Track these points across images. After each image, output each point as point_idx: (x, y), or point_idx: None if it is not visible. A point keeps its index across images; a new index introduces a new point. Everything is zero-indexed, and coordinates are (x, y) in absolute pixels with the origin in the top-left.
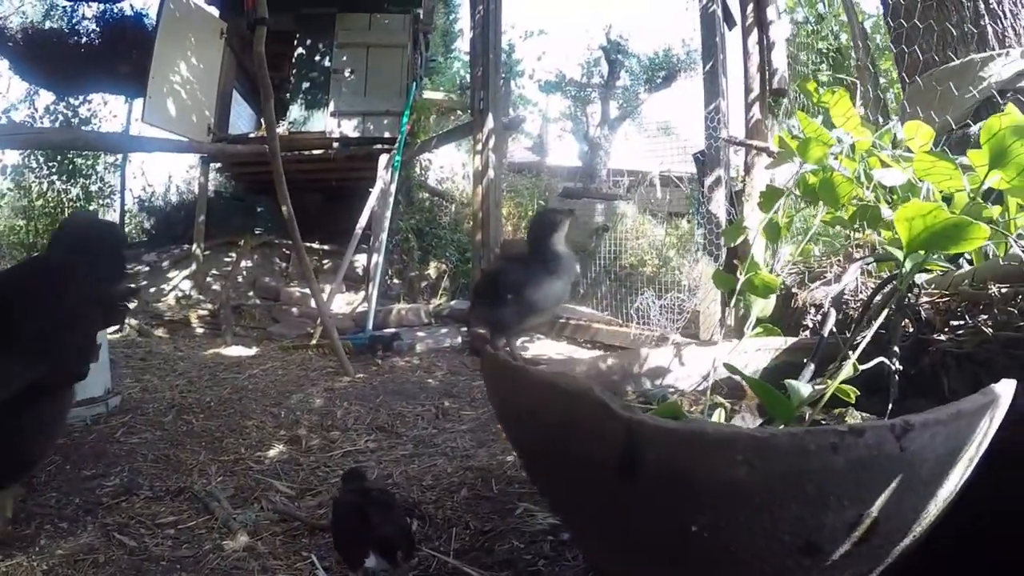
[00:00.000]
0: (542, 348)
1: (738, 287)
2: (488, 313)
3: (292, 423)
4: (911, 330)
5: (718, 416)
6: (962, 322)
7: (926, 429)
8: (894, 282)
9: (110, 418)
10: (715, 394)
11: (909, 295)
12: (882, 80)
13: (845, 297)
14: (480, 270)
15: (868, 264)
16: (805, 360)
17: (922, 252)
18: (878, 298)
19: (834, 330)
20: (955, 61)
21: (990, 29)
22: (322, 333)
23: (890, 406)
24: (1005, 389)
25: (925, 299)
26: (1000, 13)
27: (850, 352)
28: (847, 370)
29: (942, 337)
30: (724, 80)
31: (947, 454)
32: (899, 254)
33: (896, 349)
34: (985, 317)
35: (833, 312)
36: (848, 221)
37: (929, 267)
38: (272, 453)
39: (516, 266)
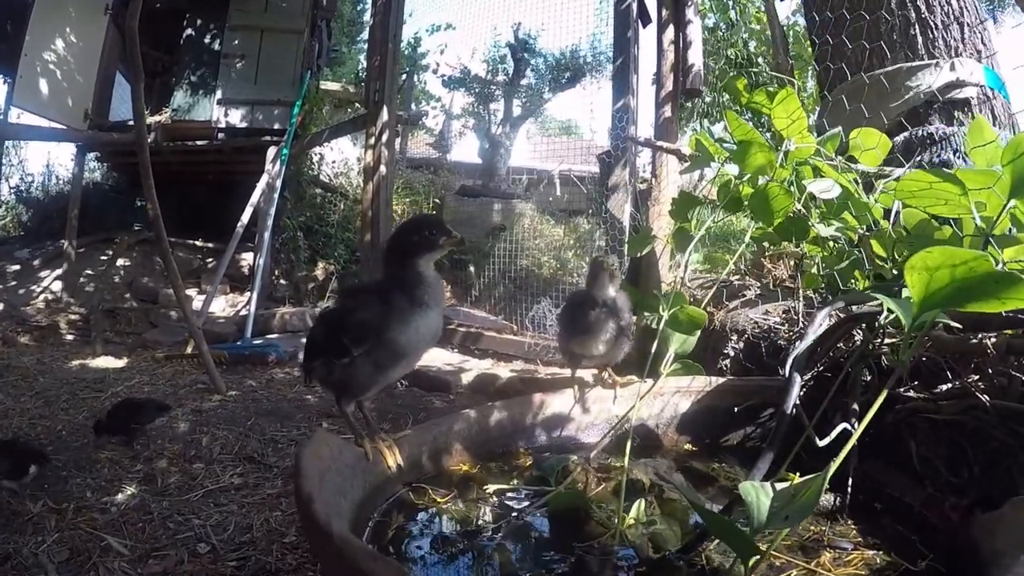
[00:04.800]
0: (432, 357)
1: (661, 324)
2: (330, 374)
3: (151, 454)
4: (868, 379)
5: (637, 510)
6: (948, 383)
7: None
8: (851, 324)
9: None
10: (625, 448)
11: (875, 343)
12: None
13: (774, 324)
14: (319, 314)
15: (835, 309)
16: (736, 408)
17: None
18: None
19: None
20: (881, 69)
21: (920, 39)
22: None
23: (850, 480)
24: None
25: (888, 341)
26: (932, 24)
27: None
28: (821, 484)
29: (911, 393)
30: (635, 77)
31: None
32: (897, 308)
33: (856, 407)
34: (976, 377)
35: (798, 380)
36: (780, 236)
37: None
38: (121, 497)
39: (365, 302)
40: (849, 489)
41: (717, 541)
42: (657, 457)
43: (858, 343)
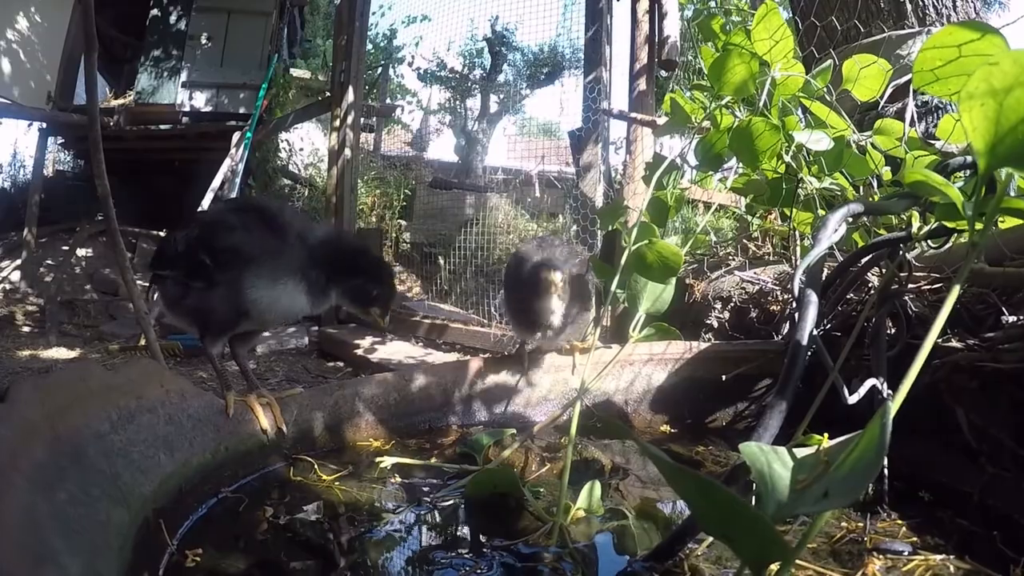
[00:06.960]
0: (393, 350)
1: (622, 263)
2: (183, 297)
3: None
4: (893, 331)
5: (588, 498)
6: (1003, 321)
7: None
8: (869, 256)
9: None
10: (581, 425)
11: (899, 278)
12: None
13: (765, 287)
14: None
15: (855, 213)
16: (724, 376)
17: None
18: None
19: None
20: (870, 38)
21: (909, 6)
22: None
23: (886, 468)
24: None
25: (913, 285)
26: None
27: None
28: (881, 436)
29: (954, 343)
30: (608, 49)
31: None
32: (951, 191)
33: (882, 363)
34: None
35: (814, 299)
36: (769, 187)
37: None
38: None
39: (252, 224)
40: (886, 471)
41: (707, 543)
42: (623, 439)
43: (899, 284)
